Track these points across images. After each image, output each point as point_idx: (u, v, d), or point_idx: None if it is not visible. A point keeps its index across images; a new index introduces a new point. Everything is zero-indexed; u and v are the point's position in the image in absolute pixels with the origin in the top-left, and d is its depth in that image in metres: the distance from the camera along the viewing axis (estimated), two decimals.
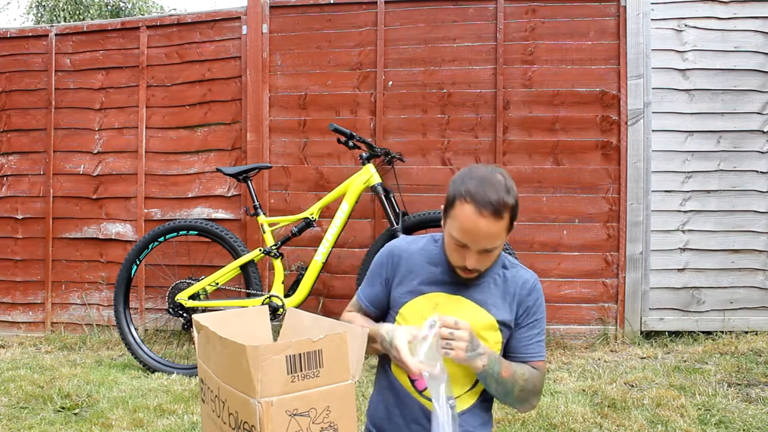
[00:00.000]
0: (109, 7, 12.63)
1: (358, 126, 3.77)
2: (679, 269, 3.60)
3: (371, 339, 1.41)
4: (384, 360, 1.51)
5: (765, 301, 3.56)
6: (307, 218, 3.30)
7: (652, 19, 3.59)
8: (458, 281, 1.45)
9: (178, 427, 2.56)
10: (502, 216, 1.33)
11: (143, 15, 11.84)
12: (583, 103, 3.65)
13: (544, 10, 3.68)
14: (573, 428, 2.45)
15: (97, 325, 4.05)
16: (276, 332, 1.56)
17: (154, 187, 4.02)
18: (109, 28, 4.13)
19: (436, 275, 1.47)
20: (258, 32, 3.86)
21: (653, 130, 3.59)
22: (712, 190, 3.59)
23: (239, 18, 3.93)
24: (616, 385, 2.89)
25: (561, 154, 3.66)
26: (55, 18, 11.90)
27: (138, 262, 3.51)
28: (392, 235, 3.08)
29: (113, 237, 4.05)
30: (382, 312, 1.55)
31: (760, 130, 3.58)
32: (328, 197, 3.33)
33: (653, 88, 3.59)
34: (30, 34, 4.24)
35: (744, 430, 2.38)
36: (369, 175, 3.23)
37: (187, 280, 3.39)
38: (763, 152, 3.58)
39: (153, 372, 3.36)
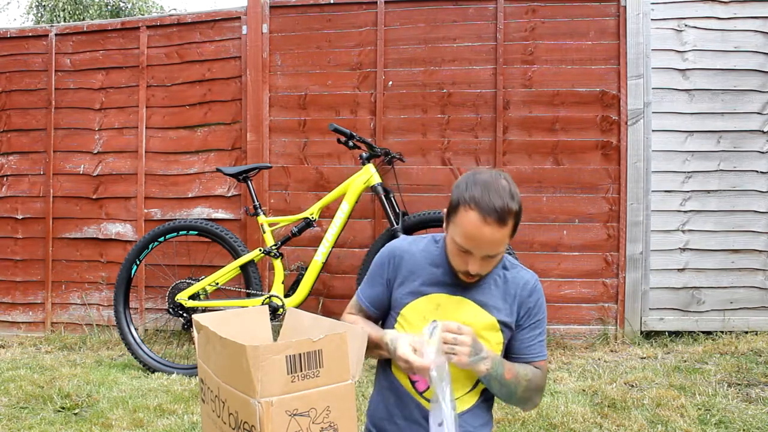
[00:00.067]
0: (109, 7, 12.64)
1: (358, 126, 3.77)
2: (679, 269, 3.60)
3: (376, 345, 1.41)
4: (384, 361, 1.51)
5: (765, 301, 3.56)
6: (307, 218, 3.30)
7: (652, 19, 3.59)
8: (459, 282, 1.45)
9: (178, 427, 2.56)
10: (506, 222, 1.32)
11: (143, 15, 11.84)
12: (583, 103, 3.65)
13: (544, 10, 3.68)
14: (573, 428, 2.45)
15: (97, 325, 4.05)
16: (276, 332, 1.56)
17: (154, 187, 4.02)
18: (109, 28, 4.13)
19: (437, 276, 1.47)
20: (258, 32, 3.86)
21: (653, 130, 3.59)
22: (712, 190, 3.59)
23: (239, 18, 3.93)
24: (616, 385, 2.89)
25: (561, 154, 3.66)
26: (55, 18, 11.90)
27: (138, 262, 3.51)
28: (392, 235, 3.08)
29: (113, 237, 4.05)
30: (383, 313, 1.55)
31: (760, 130, 3.58)
32: (328, 197, 3.33)
33: (653, 88, 3.59)
34: (30, 34, 4.24)
35: (744, 430, 2.38)
36: (369, 175, 3.23)
37: (187, 280, 3.39)
38: (763, 152, 3.58)
39: (153, 372, 3.36)
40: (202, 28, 4.00)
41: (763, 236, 3.57)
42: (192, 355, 3.58)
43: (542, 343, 1.50)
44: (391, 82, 3.78)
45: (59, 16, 11.86)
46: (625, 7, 3.60)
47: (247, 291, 3.32)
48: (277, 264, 3.32)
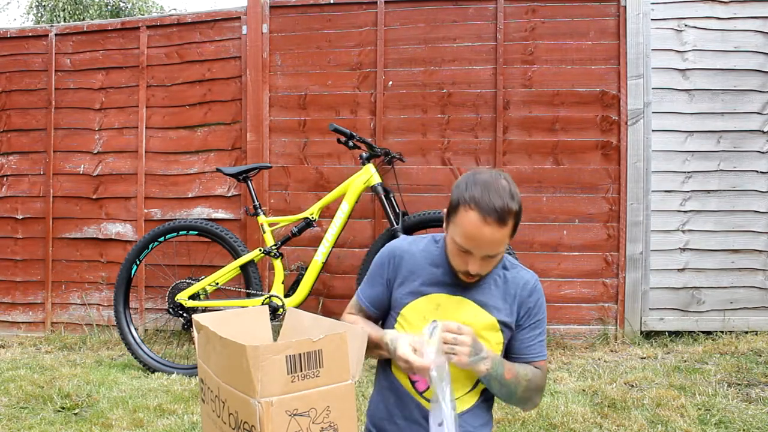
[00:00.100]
0: (109, 7, 12.64)
1: (358, 126, 3.77)
2: (679, 269, 3.60)
3: (376, 345, 1.42)
4: (384, 361, 1.51)
5: (765, 301, 3.56)
6: (307, 218, 3.30)
7: (652, 19, 3.59)
8: (459, 282, 1.45)
9: (178, 427, 2.56)
10: (506, 223, 1.32)
11: (143, 15, 11.85)
12: (583, 103, 3.65)
13: (544, 10, 3.68)
14: (573, 428, 2.45)
15: (97, 325, 4.05)
16: (276, 332, 1.56)
17: (154, 187, 4.02)
18: (109, 28, 4.13)
19: (437, 276, 1.47)
20: (258, 32, 3.86)
21: (653, 130, 3.59)
22: (712, 190, 3.59)
23: (239, 18, 3.93)
24: (616, 385, 2.89)
25: (561, 154, 3.66)
26: (55, 18, 11.90)
27: (138, 262, 3.51)
28: (392, 235, 3.08)
29: (113, 237, 4.05)
30: (383, 313, 1.55)
31: (760, 130, 3.58)
32: (328, 197, 3.33)
33: (653, 88, 3.59)
34: (30, 34, 4.24)
35: (744, 430, 2.38)
36: (369, 175, 3.23)
37: (187, 280, 3.39)
38: (763, 152, 3.58)
39: (153, 372, 3.36)
40: (202, 28, 4.00)
41: (763, 236, 3.57)
42: (192, 355, 3.58)
43: (542, 343, 1.50)
44: (391, 82, 3.78)
45: (59, 16, 11.86)
46: (625, 7, 3.60)
47: (247, 291, 3.32)
48: (277, 264, 3.32)
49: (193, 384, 3.14)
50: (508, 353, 1.49)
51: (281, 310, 3.20)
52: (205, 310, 3.31)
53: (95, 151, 4.11)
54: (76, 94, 4.14)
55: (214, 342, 1.22)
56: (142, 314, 3.96)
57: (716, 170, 3.59)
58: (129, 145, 4.06)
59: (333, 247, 3.28)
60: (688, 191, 3.60)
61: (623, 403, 2.65)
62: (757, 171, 3.57)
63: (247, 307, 2.92)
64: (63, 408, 2.79)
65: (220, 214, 3.93)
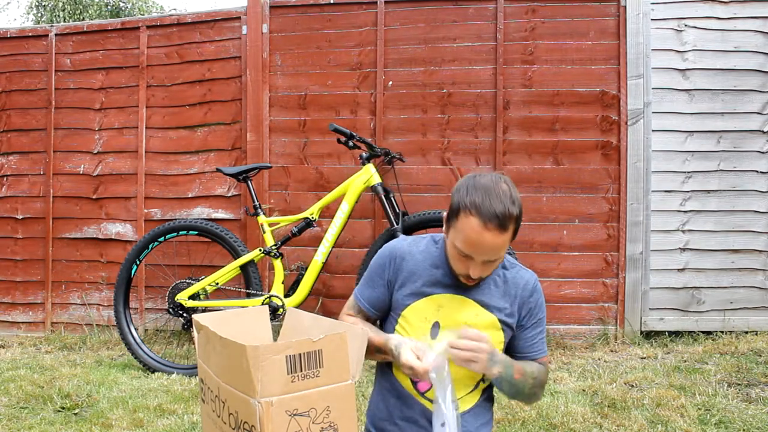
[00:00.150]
0: (108, 7, 12.64)
1: (358, 126, 3.77)
2: (679, 269, 3.60)
3: (379, 350, 1.41)
4: (385, 362, 1.51)
5: (765, 301, 3.56)
6: (307, 218, 3.30)
7: (652, 19, 3.59)
8: (460, 283, 1.45)
9: (178, 427, 2.56)
10: (507, 228, 1.32)
11: (143, 15, 11.84)
12: (583, 103, 3.65)
13: (544, 10, 3.68)
14: (573, 428, 2.45)
15: (97, 325, 4.05)
16: (276, 332, 1.56)
17: (154, 187, 4.02)
18: (109, 28, 4.13)
19: (437, 277, 1.47)
20: (258, 32, 3.86)
21: (653, 130, 3.59)
22: (712, 190, 3.59)
23: (239, 18, 3.93)
24: (616, 385, 2.89)
25: (561, 154, 3.66)
26: (55, 18, 11.90)
27: (138, 262, 3.51)
28: (392, 235, 3.09)
29: (113, 237, 4.05)
30: (383, 314, 1.54)
31: (760, 130, 3.58)
32: (328, 197, 3.33)
33: (653, 88, 3.59)
34: (30, 34, 4.24)
35: (744, 430, 2.38)
36: (369, 175, 3.23)
37: (187, 280, 3.39)
38: (763, 152, 3.58)
39: (153, 372, 3.36)
40: (202, 28, 4.00)
41: (763, 236, 3.57)
42: (192, 355, 3.58)
43: (543, 340, 1.53)
44: (391, 82, 3.78)
45: (59, 16, 11.86)
46: (625, 7, 3.60)
47: (247, 291, 3.32)
48: (277, 264, 3.32)
49: (193, 384, 3.14)
50: (512, 352, 1.50)
51: (281, 310, 3.20)
52: (205, 310, 3.31)
53: (95, 151, 4.11)
54: (76, 94, 4.14)
55: (214, 342, 1.22)
56: (142, 314, 3.96)
57: (716, 170, 3.59)
58: (129, 145, 4.06)
59: (333, 247, 3.28)
60: (688, 191, 3.60)
61: (623, 403, 2.65)
62: (757, 171, 3.57)
63: (247, 307, 2.92)
64: (63, 408, 2.79)
65: (220, 214, 3.93)
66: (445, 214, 1.43)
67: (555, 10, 3.67)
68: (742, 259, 3.57)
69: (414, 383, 1.45)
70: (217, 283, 3.35)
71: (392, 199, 3.25)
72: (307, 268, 3.28)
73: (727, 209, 3.58)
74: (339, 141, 3.21)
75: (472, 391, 1.47)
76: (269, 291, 3.31)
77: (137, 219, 4.01)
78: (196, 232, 3.46)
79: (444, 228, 1.45)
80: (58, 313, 4.14)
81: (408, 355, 1.32)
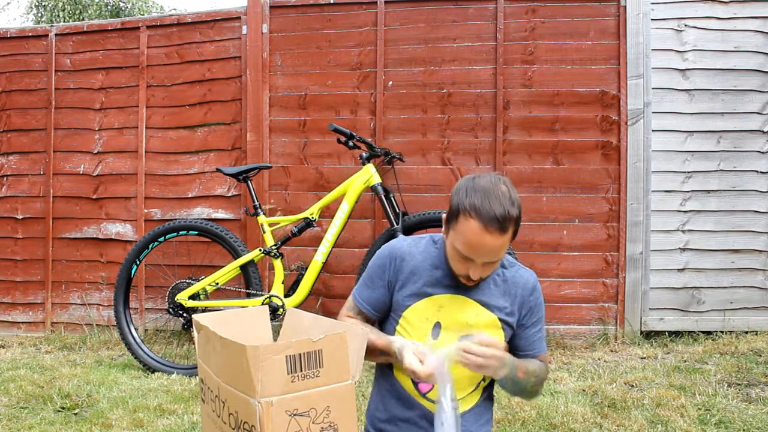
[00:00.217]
0: (108, 7, 12.64)
1: (358, 126, 3.77)
2: (679, 269, 3.60)
3: (381, 352, 1.41)
4: (385, 363, 1.51)
5: (765, 301, 3.56)
6: (307, 218, 3.30)
7: (652, 19, 3.59)
8: (459, 283, 1.46)
9: (178, 427, 2.56)
10: (507, 230, 1.32)
11: (143, 15, 11.84)
12: (583, 103, 3.65)
13: (544, 10, 3.68)
14: (573, 428, 2.45)
15: (97, 325, 4.05)
16: (276, 332, 1.56)
17: (154, 187, 4.02)
18: (109, 28, 4.13)
19: (438, 278, 1.47)
20: (258, 32, 3.86)
21: (653, 130, 3.59)
22: (712, 190, 3.59)
23: (239, 18, 3.93)
24: (616, 385, 2.89)
25: (561, 154, 3.66)
26: (54, 18, 11.90)
27: (138, 262, 3.51)
28: (392, 235, 3.09)
29: (113, 237, 4.05)
30: (383, 315, 1.54)
31: (760, 130, 3.58)
32: (328, 197, 3.33)
33: (653, 88, 3.59)
34: (30, 34, 4.24)
35: (744, 430, 2.38)
36: (369, 175, 3.23)
37: (187, 280, 3.39)
38: (763, 152, 3.58)
39: (153, 372, 3.36)
40: (202, 28, 4.00)
41: (763, 236, 3.57)
42: (192, 355, 3.58)
43: (543, 337, 1.55)
44: (391, 82, 3.78)
45: (59, 16, 11.86)
46: (625, 7, 3.60)
47: (247, 291, 3.32)
48: (277, 264, 3.32)
49: (193, 384, 3.14)
50: (513, 350, 1.51)
51: (281, 310, 3.20)
52: (205, 310, 3.31)
53: (95, 151, 4.11)
54: (76, 94, 4.14)
55: (214, 342, 1.22)
56: (142, 314, 3.96)
57: (716, 170, 3.59)
58: (129, 145, 4.06)
59: (333, 247, 3.28)
60: (688, 191, 3.60)
61: (623, 403, 2.65)
62: (757, 171, 3.57)
63: (247, 307, 2.92)
64: (63, 408, 2.79)
65: (220, 214, 3.93)
66: (444, 215, 1.43)
67: (555, 10, 3.67)
68: (742, 259, 3.57)
69: (415, 384, 1.45)
70: (217, 283, 3.35)
71: (392, 199, 3.25)
72: (307, 268, 3.28)
73: (727, 209, 3.58)
74: (339, 141, 3.21)
75: (473, 391, 1.47)
76: (269, 291, 3.31)
77: (137, 219, 4.01)
78: (196, 232, 3.46)
79: (443, 229, 1.45)
80: (58, 313, 4.14)
81: (411, 358, 1.31)
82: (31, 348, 3.89)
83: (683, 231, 3.60)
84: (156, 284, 3.91)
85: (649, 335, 3.60)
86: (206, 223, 3.46)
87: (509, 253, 2.89)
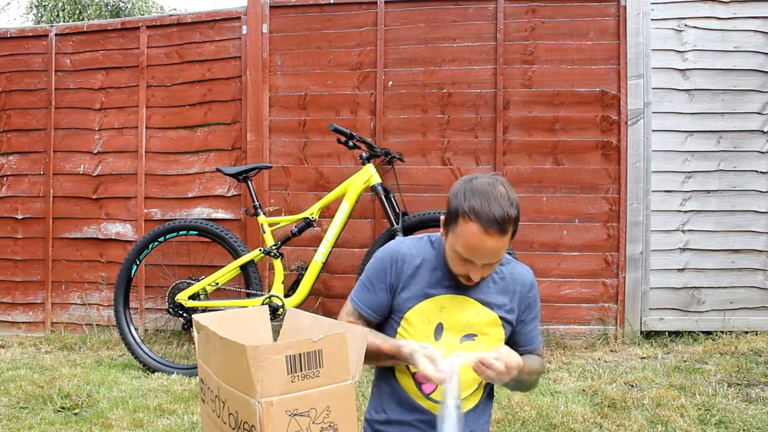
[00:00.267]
0: (108, 7, 12.64)
1: (358, 126, 3.77)
2: (679, 269, 3.60)
3: (387, 355, 1.40)
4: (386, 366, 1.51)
5: (765, 301, 3.56)
6: (307, 218, 3.30)
7: (652, 19, 3.59)
8: (459, 283, 1.46)
9: (178, 427, 2.56)
10: (507, 231, 1.33)
11: (143, 15, 11.85)
12: (583, 103, 3.65)
13: (544, 10, 3.68)
14: (573, 428, 2.45)
15: (97, 325, 4.05)
16: (276, 332, 1.56)
17: (154, 187, 4.02)
18: (109, 28, 4.13)
19: (437, 278, 1.47)
20: (258, 32, 3.86)
21: (653, 130, 3.59)
22: (712, 190, 3.59)
23: (239, 18, 3.93)
24: (616, 385, 2.89)
25: (561, 154, 3.66)
26: (54, 18, 11.90)
27: (138, 262, 3.51)
28: (392, 235, 3.09)
29: (113, 237, 4.05)
30: (384, 318, 1.52)
31: (760, 130, 3.58)
32: (328, 197, 3.33)
33: (653, 88, 3.59)
34: (30, 34, 4.24)
35: (744, 430, 2.38)
36: (369, 175, 3.23)
37: (187, 280, 3.39)
38: (763, 152, 3.58)
39: (153, 372, 3.36)
40: (202, 28, 4.00)
41: (763, 236, 3.57)
42: (192, 355, 3.58)
43: (540, 332, 1.59)
44: (391, 82, 3.78)
45: (59, 16, 11.86)
46: (625, 7, 3.60)
47: (247, 291, 3.32)
48: (277, 264, 3.32)
49: (193, 384, 3.14)
50: (512, 346, 1.50)
51: (281, 310, 3.20)
52: (205, 310, 3.31)
53: (95, 151, 4.11)
54: (76, 94, 4.14)
55: (214, 342, 1.22)
56: (142, 314, 3.96)
57: (716, 170, 3.59)
58: (129, 145, 4.06)
59: (333, 247, 3.28)
60: (688, 191, 3.60)
61: (623, 403, 2.65)
62: (757, 171, 3.57)
63: (247, 307, 2.92)
64: (63, 408, 2.79)
65: (220, 214, 3.93)
66: (443, 216, 1.43)
67: (555, 10, 3.67)
68: (742, 259, 3.57)
69: (418, 385, 1.45)
70: (217, 283, 3.35)
71: (392, 199, 3.25)
72: (307, 268, 3.28)
73: (727, 209, 3.58)
74: (339, 141, 3.21)
75: (475, 390, 1.48)
76: (269, 291, 3.31)
77: (137, 219, 4.01)
78: (196, 232, 3.46)
79: (442, 231, 1.44)
80: (58, 313, 4.14)
81: (424, 363, 1.30)
82: (31, 348, 3.89)
83: (683, 231, 3.60)
84: (156, 284, 3.91)
85: (649, 335, 3.60)
86: (206, 223, 3.46)
87: (509, 253, 2.90)
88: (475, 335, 1.46)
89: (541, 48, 3.68)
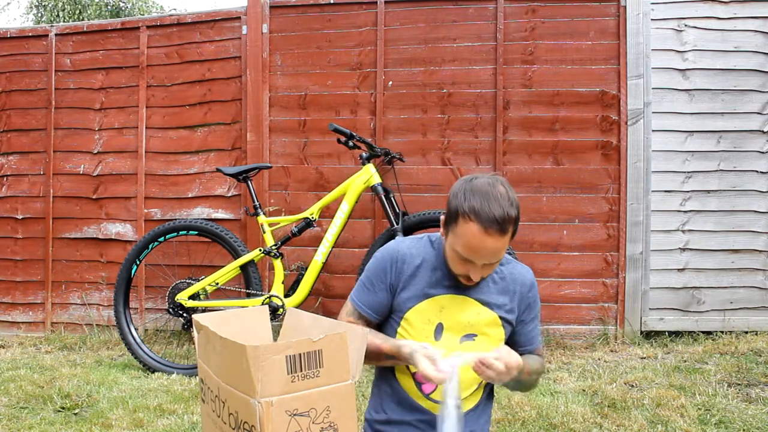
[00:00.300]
0: (108, 7, 12.64)
1: (358, 126, 3.77)
2: (679, 269, 3.60)
3: (387, 356, 1.40)
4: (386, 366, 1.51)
5: (765, 301, 3.56)
6: (307, 218, 3.30)
7: (652, 19, 3.59)
8: (459, 283, 1.46)
9: (178, 427, 2.56)
10: (507, 231, 1.33)
11: (143, 15, 11.84)
12: (583, 103, 3.65)
13: (544, 10, 3.68)
14: (573, 428, 2.45)
15: (97, 325, 4.05)
16: (276, 332, 1.56)
17: (154, 187, 4.02)
18: (109, 28, 4.13)
19: (437, 278, 1.47)
20: (258, 32, 3.86)
21: (653, 130, 3.59)
22: (712, 190, 3.59)
23: (239, 18, 3.93)
24: (616, 385, 2.89)
25: (561, 154, 3.66)
26: (54, 18, 11.90)
27: (138, 262, 3.51)
28: (392, 235, 3.09)
29: (113, 237, 4.05)
30: (384, 318, 1.52)
31: (760, 130, 3.58)
32: (328, 197, 3.33)
33: (653, 88, 3.59)
34: (30, 34, 4.24)
35: (744, 430, 2.38)
36: (369, 175, 3.23)
37: (187, 280, 3.39)
38: (763, 152, 3.58)
39: (153, 372, 3.35)
40: (202, 28, 4.00)
41: (763, 236, 3.57)
42: (192, 355, 3.58)
43: (539, 331, 1.59)
44: (391, 82, 3.78)
45: (59, 16, 11.86)
46: (625, 7, 3.60)
47: (247, 291, 3.32)
48: (277, 264, 3.32)
49: (193, 384, 3.14)
50: (512, 346, 1.50)
51: (281, 310, 3.20)
52: (205, 310, 3.31)
53: (95, 151, 4.11)
54: (76, 94, 4.14)
55: (214, 342, 1.22)
56: (142, 314, 3.96)
57: (716, 170, 3.59)
58: (129, 145, 4.06)
59: (333, 247, 3.28)
60: (688, 191, 3.60)
61: (623, 403, 2.65)
62: (757, 171, 3.57)
63: (247, 307, 2.92)
64: (63, 408, 2.79)
65: (220, 214, 3.93)
66: (443, 217, 1.43)
67: (555, 10, 3.67)
68: (742, 259, 3.57)
69: (418, 385, 1.46)
70: (217, 283, 3.35)
71: (392, 199, 3.25)
72: (307, 268, 3.28)
73: (727, 209, 3.58)
74: (339, 141, 3.21)
75: (475, 389, 1.48)
76: (269, 291, 3.31)
77: (137, 219, 4.01)
78: (196, 232, 3.46)
79: (441, 231, 1.44)
80: (58, 313, 4.14)
81: (425, 364, 1.30)
82: (31, 348, 3.89)
83: (683, 231, 3.60)
84: (156, 284, 3.91)
85: (649, 335, 3.60)
86: (206, 223, 3.46)
87: (509, 253, 2.90)
88: (475, 335, 1.46)
89: (541, 48, 3.68)
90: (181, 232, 3.47)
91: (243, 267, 3.33)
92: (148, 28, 4.05)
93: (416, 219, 3.20)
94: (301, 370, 1.13)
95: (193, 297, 3.32)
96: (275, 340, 1.53)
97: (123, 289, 3.51)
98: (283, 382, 1.11)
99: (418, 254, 1.50)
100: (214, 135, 3.97)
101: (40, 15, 12.54)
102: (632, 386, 2.88)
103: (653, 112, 3.59)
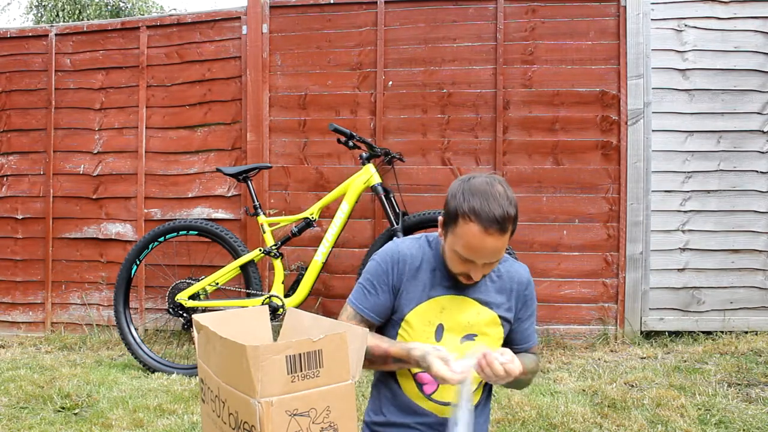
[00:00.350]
0: (108, 7, 12.64)
1: (358, 126, 3.77)
2: (679, 269, 3.60)
3: (394, 359, 1.39)
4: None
5: (765, 301, 3.56)
6: (307, 218, 3.30)
7: (652, 19, 3.59)
8: (458, 283, 1.46)
9: (178, 427, 2.56)
10: (507, 230, 1.33)
11: (143, 15, 11.84)
12: (583, 103, 3.65)
13: (544, 10, 3.68)
14: (573, 428, 2.45)
15: (97, 325, 4.05)
16: (276, 332, 1.56)
17: (154, 187, 4.02)
18: (109, 28, 4.13)
19: (437, 279, 1.47)
20: (258, 32, 3.86)
21: (653, 130, 3.59)
22: (712, 190, 3.59)
23: (239, 18, 3.93)
24: (616, 385, 2.89)
25: (561, 154, 3.66)
26: (54, 18, 11.90)
27: (138, 262, 3.51)
28: (392, 235, 3.09)
29: (113, 237, 4.05)
30: (386, 320, 1.51)
31: (760, 130, 3.58)
32: (328, 197, 3.33)
33: (653, 88, 3.59)
34: (30, 34, 4.24)
35: (744, 430, 2.38)
36: (369, 175, 3.23)
37: (187, 280, 3.39)
38: (763, 152, 3.58)
39: (153, 372, 3.36)
40: (202, 28, 4.00)
41: (763, 236, 3.57)
42: (192, 355, 3.58)
43: (535, 329, 1.60)
44: (391, 82, 3.78)
45: (59, 16, 11.87)
46: (625, 7, 3.60)
47: (247, 291, 3.32)
48: (277, 264, 3.32)
49: (193, 384, 3.14)
50: (509, 344, 1.52)
51: (281, 310, 3.20)
52: (205, 310, 3.31)
53: (95, 151, 4.11)
54: (76, 94, 4.14)
55: (214, 342, 1.22)
56: (142, 314, 3.96)
57: (716, 170, 3.59)
58: (129, 145, 4.06)
59: (333, 247, 3.28)
60: (688, 191, 3.60)
61: (623, 403, 2.65)
62: (757, 171, 3.57)
63: (247, 307, 2.92)
64: (63, 408, 2.79)
65: (220, 214, 3.93)
66: (441, 217, 1.43)
67: (555, 10, 3.67)
68: (742, 259, 3.57)
69: (420, 386, 1.45)
70: (217, 283, 3.36)
71: (392, 199, 3.25)
72: (307, 268, 3.28)
73: (727, 209, 3.58)
74: (339, 141, 3.21)
75: (475, 390, 1.48)
76: (269, 291, 3.31)
77: (137, 219, 4.01)
78: (196, 232, 3.46)
79: (440, 231, 1.44)
80: (58, 313, 4.14)
81: (439, 365, 1.28)
82: (31, 348, 3.89)
83: (683, 231, 3.60)
84: (156, 284, 3.91)
85: (649, 335, 3.60)
86: (206, 223, 3.46)
87: (508, 252, 2.90)
88: (475, 335, 1.46)
89: (541, 48, 3.68)
90: (181, 232, 3.47)
91: (243, 267, 3.33)
92: (148, 28, 4.05)
93: (416, 219, 3.20)
94: (301, 370, 1.13)
95: (193, 297, 3.32)
96: (275, 340, 1.53)
97: (123, 289, 3.51)
98: (283, 382, 1.11)
99: (418, 255, 1.50)
100: (214, 135, 3.97)
101: (40, 15, 12.54)
102: (632, 386, 2.88)
103: (653, 112, 3.59)
